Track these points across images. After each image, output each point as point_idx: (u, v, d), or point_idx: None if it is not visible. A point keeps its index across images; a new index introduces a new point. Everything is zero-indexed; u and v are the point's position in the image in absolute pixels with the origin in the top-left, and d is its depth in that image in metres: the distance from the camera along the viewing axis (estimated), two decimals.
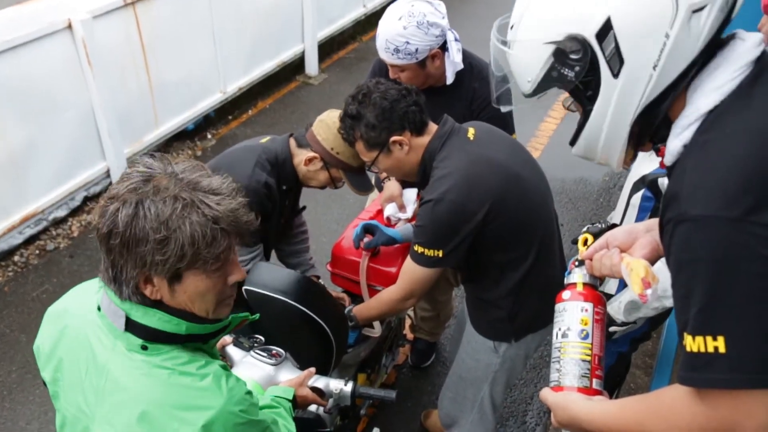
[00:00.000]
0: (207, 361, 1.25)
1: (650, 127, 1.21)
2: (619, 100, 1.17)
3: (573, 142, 1.32)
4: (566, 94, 1.26)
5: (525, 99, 1.31)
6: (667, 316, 2.57)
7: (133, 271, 1.16)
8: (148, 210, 1.12)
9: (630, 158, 1.30)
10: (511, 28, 1.26)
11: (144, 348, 1.21)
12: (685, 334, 1.05)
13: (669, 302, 2.21)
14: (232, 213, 1.21)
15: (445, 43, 2.52)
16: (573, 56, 1.16)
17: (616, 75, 1.14)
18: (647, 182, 2.24)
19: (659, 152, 1.25)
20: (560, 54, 1.17)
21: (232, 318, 1.30)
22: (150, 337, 1.21)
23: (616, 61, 1.13)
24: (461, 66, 2.58)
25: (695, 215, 1.02)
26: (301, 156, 2.36)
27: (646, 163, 2.27)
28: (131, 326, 1.21)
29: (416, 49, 2.44)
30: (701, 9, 1.07)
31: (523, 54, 1.23)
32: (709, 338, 1.00)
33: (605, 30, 1.11)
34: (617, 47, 1.12)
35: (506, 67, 1.29)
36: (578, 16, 1.13)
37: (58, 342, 1.34)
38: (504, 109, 1.43)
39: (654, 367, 2.83)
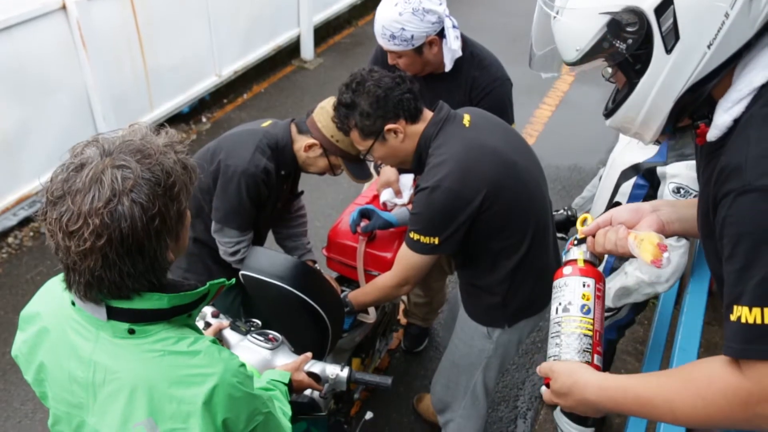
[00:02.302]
0: (196, 338, 1.24)
1: (693, 104, 1.21)
2: (668, 75, 1.17)
3: (610, 113, 1.32)
4: (602, 63, 1.26)
5: (560, 67, 1.31)
6: (646, 305, 2.61)
7: (170, 242, 1.18)
8: (156, 175, 1.12)
9: (666, 134, 1.30)
10: None
11: (131, 332, 1.20)
12: (735, 307, 1.05)
13: (661, 288, 2.24)
14: (178, 139, 1.25)
15: (443, 30, 2.51)
16: (628, 28, 1.15)
17: (669, 51, 1.14)
18: (642, 170, 2.25)
19: (698, 130, 1.25)
20: (615, 25, 1.16)
21: (209, 285, 1.28)
22: (136, 318, 1.19)
23: (672, 37, 1.13)
24: (459, 53, 2.58)
25: (761, 185, 1.02)
26: (301, 142, 2.36)
27: (636, 152, 2.29)
28: (114, 313, 1.19)
29: (412, 36, 2.44)
30: None
31: (575, 22, 1.21)
32: (767, 310, 1.00)
33: (665, 5, 1.11)
34: (675, 23, 1.12)
35: (550, 33, 1.28)
36: None
37: (37, 345, 1.31)
38: (545, 76, 1.41)
39: (645, 354, 2.85)
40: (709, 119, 1.21)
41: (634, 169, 2.29)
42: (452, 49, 2.53)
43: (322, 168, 2.42)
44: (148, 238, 1.12)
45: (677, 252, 2.17)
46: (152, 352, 1.20)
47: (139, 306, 1.19)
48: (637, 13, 1.13)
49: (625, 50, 1.17)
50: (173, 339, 1.22)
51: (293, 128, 2.40)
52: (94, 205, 1.07)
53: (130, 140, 1.16)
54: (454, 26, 2.53)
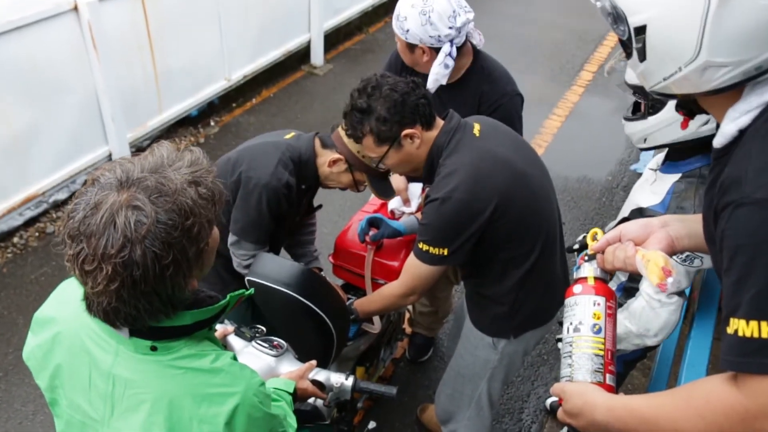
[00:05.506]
0: (217, 354, 1.23)
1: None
2: (643, 72, 1.24)
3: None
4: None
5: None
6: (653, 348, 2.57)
7: (188, 280, 1.15)
8: (172, 218, 1.08)
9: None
10: None
11: (153, 349, 1.19)
12: (732, 319, 1.05)
13: (650, 341, 2.20)
14: (205, 167, 1.19)
15: (440, 49, 2.48)
16: (620, 25, 1.22)
17: (641, 61, 1.21)
18: (644, 216, 2.21)
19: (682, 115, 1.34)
20: (615, 12, 1.23)
21: (229, 297, 1.27)
22: (158, 336, 1.18)
23: (642, 54, 1.19)
24: (442, 82, 2.54)
25: (760, 198, 1.03)
26: (325, 157, 2.33)
27: (645, 193, 2.25)
28: (136, 331, 1.18)
29: (407, 30, 2.46)
30: (722, 66, 1.10)
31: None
32: (764, 323, 1.00)
33: (641, 30, 1.17)
34: (644, 47, 1.18)
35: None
36: (632, 4, 1.18)
37: (51, 350, 1.29)
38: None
39: (652, 369, 2.83)
40: (692, 114, 1.33)
41: (639, 212, 2.26)
42: (436, 73, 2.50)
43: (345, 183, 2.38)
44: (162, 283, 1.10)
45: (668, 308, 2.11)
46: (174, 368, 1.19)
47: (161, 324, 1.17)
48: (624, 20, 1.20)
49: (622, 35, 1.24)
50: (195, 355, 1.21)
51: (317, 142, 2.36)
52: (107, 251, 1.05)
53: (147, 175, 1.10)
54: (449, 55, 2.49)
